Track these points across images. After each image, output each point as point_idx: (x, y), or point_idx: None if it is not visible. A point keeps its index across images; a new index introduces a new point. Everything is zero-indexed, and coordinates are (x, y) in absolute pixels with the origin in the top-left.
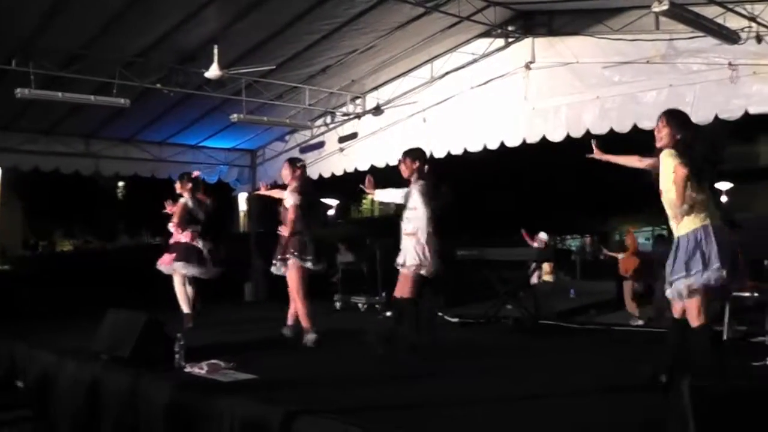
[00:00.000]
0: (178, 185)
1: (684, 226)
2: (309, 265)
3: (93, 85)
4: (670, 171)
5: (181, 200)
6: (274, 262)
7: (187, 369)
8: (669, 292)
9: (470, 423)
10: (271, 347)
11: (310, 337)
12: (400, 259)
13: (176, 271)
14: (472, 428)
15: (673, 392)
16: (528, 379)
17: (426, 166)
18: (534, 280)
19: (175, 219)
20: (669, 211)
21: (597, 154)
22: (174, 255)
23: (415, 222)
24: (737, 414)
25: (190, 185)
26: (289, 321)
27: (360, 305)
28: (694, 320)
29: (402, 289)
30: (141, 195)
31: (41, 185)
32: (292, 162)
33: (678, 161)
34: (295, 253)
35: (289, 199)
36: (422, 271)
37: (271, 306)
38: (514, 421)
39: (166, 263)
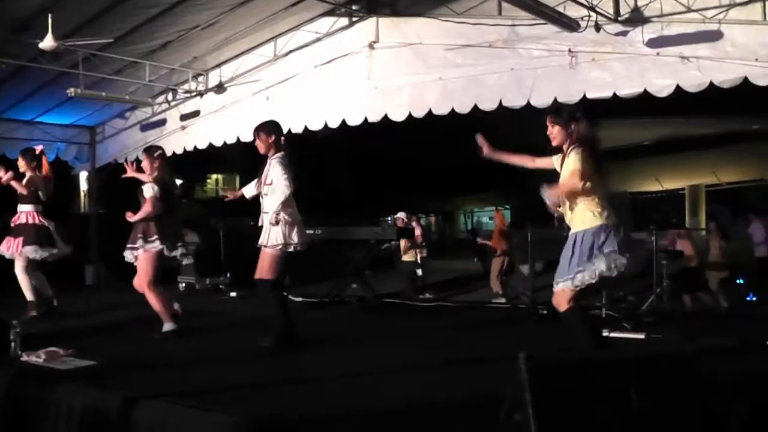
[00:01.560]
0: (22, 163)
1: (581, 221)
2: (155, 248)
3: None
4: (571, 167)
5: (29, 175)
6: (128, 246)
7: (24, 358)
8: (562, 285)
9: (312, 399)
10: (112, 333)
11: (167, 327)
12: (263, 239)
13: (23, 255)
14: (314, 404)
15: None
16: (369, 356)
17: (282, 138)
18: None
19: (23, 191)
20: (568, 206)
21: (487, 151)
22: (21, 238)
23: (276, 196)
24: (567, 381)
25: (34, 163)
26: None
27: (198, 286)
28: (563, 306)
29: (262, 270)
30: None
31: None
32: (150, 151)
33: (579, 163)
34: (148, 239)
35: (148, 190)
36: (290, 249)
37: (112, 290)
38: (353, 396)
39: (12, 248)
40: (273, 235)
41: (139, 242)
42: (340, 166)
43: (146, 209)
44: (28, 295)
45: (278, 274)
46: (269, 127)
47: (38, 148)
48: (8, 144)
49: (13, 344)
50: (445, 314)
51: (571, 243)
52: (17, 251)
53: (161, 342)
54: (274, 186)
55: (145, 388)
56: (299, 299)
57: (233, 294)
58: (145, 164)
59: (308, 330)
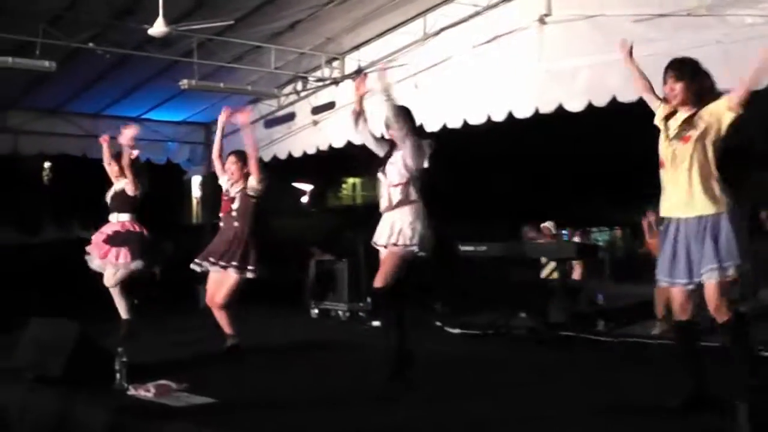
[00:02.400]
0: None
1: (723, 200)
2: (249, 276)
3: (10, 45)
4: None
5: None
6: (212, 260)
7: (131, 391)
8: (715, 276)
9: None
10: (232, 364)
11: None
12: (384, 235)
13: (127, 268)
14: None
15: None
16: (543, 401)
17: (414, 129)
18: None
19: (129, 175)
20: (701, 183)
21: (624, 55)
22: (126, 249)
23: (404, 180)
24: None
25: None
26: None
27: (341, 313)
28: (723, 314)
29: (384, 275)
30: (70, 178)
31: None
32: (240, 156)
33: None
34: (247, 265)
35: (255, 184)
36: (415, 249)
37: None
38: None
39: (112, 258)
40: (402, 230)
41: (234, 262)
42: (493, 166)
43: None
44: (125, 314)
45: (400, 281)
46: (402, 116)
47: (134, 153)
48: (112, 145)
49: (118, 375)
50: (638, 352)
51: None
52: (117, 262)
53: (287, 375)
54: (406, 168)
55: (271, 430)
56: (456, 331)
57: (376, 323)
58: (233, 170)
59: (472, 368)
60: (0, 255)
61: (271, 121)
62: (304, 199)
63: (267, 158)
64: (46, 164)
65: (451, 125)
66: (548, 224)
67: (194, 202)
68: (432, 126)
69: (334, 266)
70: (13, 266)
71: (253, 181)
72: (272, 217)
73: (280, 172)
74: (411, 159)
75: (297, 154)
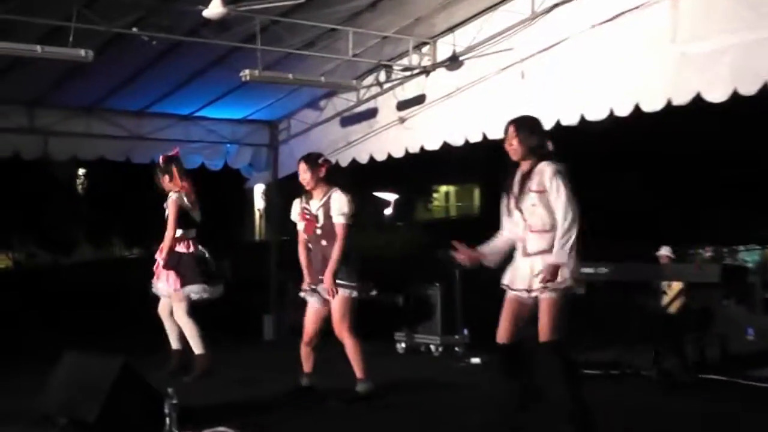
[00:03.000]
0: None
1: None
2: (353, 293)
3: (39, 31)
4: None
5: (172, 196)
6: (305, 287)
7: None
8: None
9: None
10: (300, 408)
11: (364, 387)
12: (523, 278)
13: (183, 295)
14: None
15: None
16: None
17: (548, 140)
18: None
19: (170, 226)
20: None
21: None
22: (181, 274)
23: (559, 214)
24: None
25: (167, 175)
26: (307, 367)
27: (433, 347)
28: None
29: (545, 328)
30: (110, 187)
31: None
32: (311, 160)
33: None
34: (345, 280)
35: (339, 217)
36: (578, 291)
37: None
38: None
39: (169, 285)
40: (559, 248)
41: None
42: (615, 169)
43: (340, 245)
44: (197, 348)
45: (563, 331)
46: (531, 125)
47: (173, 151)
48: (159, 147)
49: (168, 420)
50: None
51: None
52: (173, 289)
53: (367, 420)
54: (557, 198)
55: None
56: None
57: (474, 360)
58: (305, 177)
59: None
60: (28, 278)
61: (349, 119)
62: (388, 211)
63: (344, 162)
64: (81, 171)
65: (565, 122)
66: (664, 250)
67: (257, 214)
68: (545, 124)
69: (425, 292)
70: (42, 291)
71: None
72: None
73: (360, 178)
74: (563, 211)
75: (380, 157)
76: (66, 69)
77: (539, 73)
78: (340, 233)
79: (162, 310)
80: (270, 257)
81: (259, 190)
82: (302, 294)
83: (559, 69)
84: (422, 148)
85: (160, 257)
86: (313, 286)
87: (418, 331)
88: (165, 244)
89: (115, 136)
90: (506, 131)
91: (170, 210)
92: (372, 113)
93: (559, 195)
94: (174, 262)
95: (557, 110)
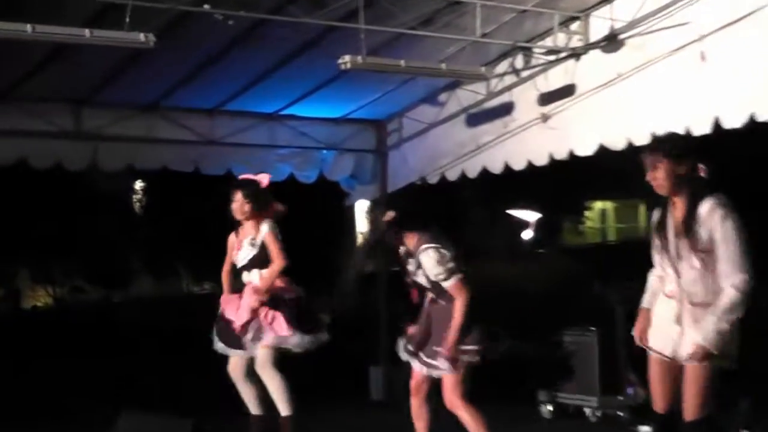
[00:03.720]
0: (237, 202)
1: None
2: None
3: (86, 11)
4: None
5: (266, 228)
6: (409, 347)
7: None
8: None
9: None
10: None
11: None
12: (666, 339)
13: (277, 345)
14: None
15: None
16: None
17: (700, 165)
18: None
19: (278, 260)
20: None
21: None
22: (275, 318)
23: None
24: None
25: (256, 203)
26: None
27: (588, 411)
28: None
29: (691, 404)
30: (175, 204)
31: None
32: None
33: None
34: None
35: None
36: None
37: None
38: None
39: (257, 335)
40: (714, 331)
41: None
42: None
43: (461, 310)
44: (285, 409)
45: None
46: (680, 146)
47: (263, 179)
48: (237, 155)
49: None
50: None
51: None
52: (269, 328)
53: None
54: (725, 247)
55: None
56: None
57: (644, 429)
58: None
59: None
60: (72, 319)
61: (477, 117)
62: (527, 235)
63: (472, 172)
64: (138, 184)
65: (763, 116)
66: None
67: (359, 238)
68: (731, 120)
69: (577, 338)
70: (90, 335)
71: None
72: (476, 260)
73: (491, 192)
74: (731, 277)
75: (518, 165)
76: (120, 58)
77: (723, 53)
78: (458, 294)
79: (235, 369)
80: (377, 294)
81: (362, 208)
82: (403, 356)
83: (751, 49)
84: (571, 154)
85: (229, 304)
86: (411, 349)
87: (568, 389)
88: (265, 284)
89: (181, 141)
90: (647, 156)
91: (273, 245)
92: (506, 109)
93: (728, 249)
94: (277, 305)
95: (749, 103)
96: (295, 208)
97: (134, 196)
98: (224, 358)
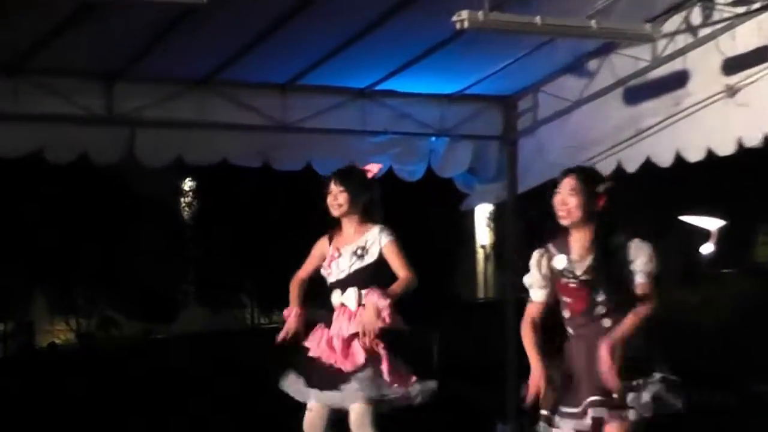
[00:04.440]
0: (339, 197)
1: None
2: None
3: None
4: None
5: (386, 236)
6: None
7: None
8: None
9: None
10: None
11: None
12: None
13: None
14: None
15: None
16: None
17: None
18: None
19: (406, 280)
20: None
21: None
22: (386, 362)
23: None
24: None
25: (367, 195)
26: None
27: None
28: None
29: None
30: (238, 211)
31: None
32: (585, 177)
33: None
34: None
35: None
36: None
37: None
38: None
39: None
40: None
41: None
42: None
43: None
44: None
45: None
46: None
47: (372, 169)
48: (317, 144)
49: None
50: None
51: None
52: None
53: None
54: None
55: None
56: None
57: None
58: (571, 206)
59: None
60: (102, 361)
61: (639, 92)
62: (706, 249)
63: (632, 165)
64: (188, 183)
65: None
66: None
67: (480, 254)
68: None
69: None
70: (126, 383)
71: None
72: None
73: (657, 191)
74: None
75: (694, 155)
76: (165, 20)
77: None
78: (651, 298)
79: (313, 425)
80: (505, 326)
81: (484, 214)
82: (541, 427)
83: None
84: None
85: (313, 335)
86: (571, 410)
87: None
88: (391, 298)
89: (244, 126)
90: None
91: (398, 256)
92: (678, 80)
93: None
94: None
95: None
96: (394, 213)
97: (183, 200)
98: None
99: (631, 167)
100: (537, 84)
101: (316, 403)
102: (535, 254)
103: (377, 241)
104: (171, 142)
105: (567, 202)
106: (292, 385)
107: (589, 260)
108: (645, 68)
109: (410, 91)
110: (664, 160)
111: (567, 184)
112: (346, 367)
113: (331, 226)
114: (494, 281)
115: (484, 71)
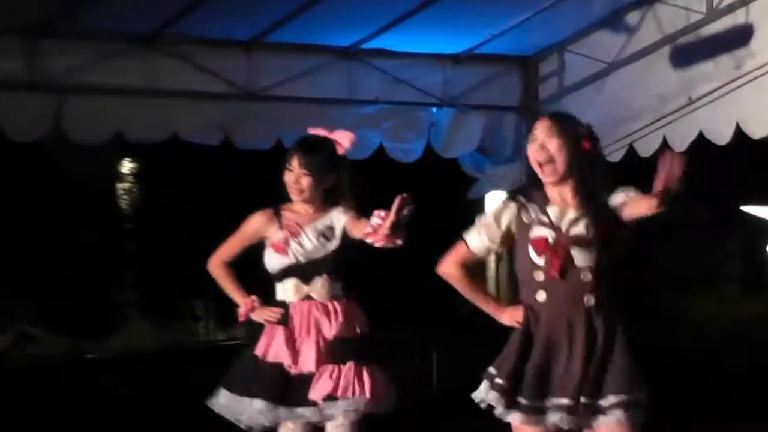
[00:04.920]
0: (303, 178)
1: None
2: None
3: None
4: None
5: (348, 214)
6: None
7: None
8: None
9: None
10: None
11: None
12: None
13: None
14: None
15: None
16: None
17: None
18: None
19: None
20: None
21: None
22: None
23: None
24: None
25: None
26: None
27: None
28: None
29: None
30: (192, 201)
31: None
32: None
33: None
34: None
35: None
36: None
37: None
38: None
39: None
40: None
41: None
42: None
43: None
44: None
45: None
46: None
47: (341, 139)
48: (290, 116)
49: None
50: None
51: None
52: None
53: None
54: None
55: None
56: None
57: None
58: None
59: None
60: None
61: (691, 51)
62: None
63: (682, 142)
64: (127, 165)
65: None
66: None
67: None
68: None
69: None
70: (51, 409)
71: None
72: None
73: (713, 174)
74: None
75: (760, 130)
76: None
77: None
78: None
79: None
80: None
81: (496, 203)
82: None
83: None
84: None
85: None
86: (568, 402)
87: None
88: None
89: (200, 94)
90: None
91: (361, 222)
92: (740, 37)
93: None
94: (342, 352)
95: None
96: (382, 204)
97: (121, 186)
98: None
99: (680, 145)
100: (564, 42)
101: (290, 424)
102: (502, 202)
103: (339, 222)
104: (107, 114)
105: (547, 145)
106: (235, 404)
107: (572, 215)
108: (698, 22)
109: (406, 51)
110: (722, 135)
111: (542, 127)
112: (326, 386)
113: (280, 203)
114: (508, 285)
115: (498, 26)
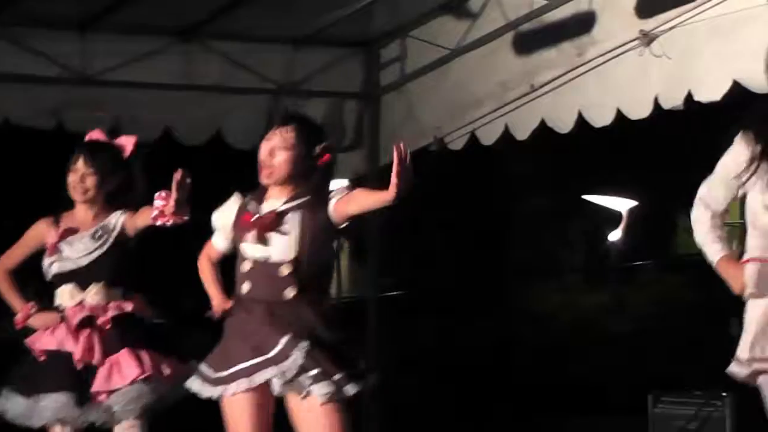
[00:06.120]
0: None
1: None
2: None
3: None
4: None
5: (126, 213)
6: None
7: None
8: None
9: None
10: None
11: None
12: None
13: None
14: None
15: None
16: None
17: None
18: None
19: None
20: None
21: None
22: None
23: None
24: None
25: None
26: None
27: None
28: None
29: None
30: (21, 189)
31: None
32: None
33: None
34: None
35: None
36: None
37: None
38: None
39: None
40: None
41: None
42: None
43: None
44: None
45: None
46: None
47: (125, 143)
48: (126, 101)
49: None
50: None
51: None
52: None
53: None
54: None
55: None
56: None
57: None
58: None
59: None
60: None
61: (534, 38)
62: (616, 236)
63: (524, 131)
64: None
65: None
66: None
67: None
68: None
69: (699, 410)
70: None
71: None
72: (530, 280)
73: (556, 164)
74: None
75: (601, 119)
76: None
77: None
78: None
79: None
80: (366, 330)
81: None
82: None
83: None
84: (690, 99)
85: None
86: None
87: None
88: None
89: (31, 78)
90: None
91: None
92: (583, 24)
93: None
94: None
95: None
96: (228, 187)
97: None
98: None
99: (522, 133)
100: (405, 27)
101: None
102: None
103: (118, 223)
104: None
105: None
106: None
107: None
108: (541, 8)
109: (244, 36)
110: (564, 124)
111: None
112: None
113: (60, 208)
114: (350, 277)
115: (338, 9)
